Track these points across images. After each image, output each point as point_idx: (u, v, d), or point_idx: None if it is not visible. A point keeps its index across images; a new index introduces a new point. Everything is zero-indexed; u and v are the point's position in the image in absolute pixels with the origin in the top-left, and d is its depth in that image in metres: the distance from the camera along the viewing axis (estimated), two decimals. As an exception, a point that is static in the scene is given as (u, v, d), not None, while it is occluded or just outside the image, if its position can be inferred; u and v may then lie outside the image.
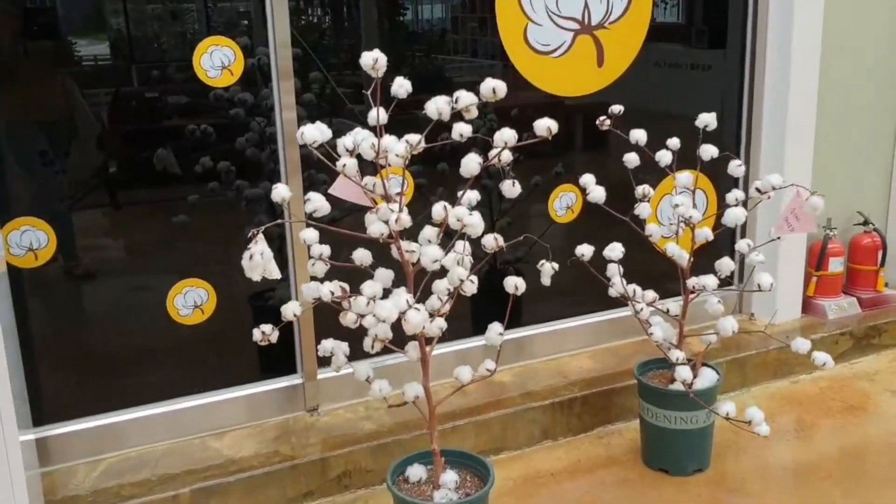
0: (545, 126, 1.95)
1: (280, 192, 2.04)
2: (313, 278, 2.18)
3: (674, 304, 2.72)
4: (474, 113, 1.93)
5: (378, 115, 2.03)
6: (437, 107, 1.89)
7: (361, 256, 2.21)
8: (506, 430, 2.93)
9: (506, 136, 1.97)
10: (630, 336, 3.43)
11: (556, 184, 3.30)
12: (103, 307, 2.79)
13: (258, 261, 1.89)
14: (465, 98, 1.89)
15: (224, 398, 2.83)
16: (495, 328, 2.20)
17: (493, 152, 2.04)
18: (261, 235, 1.95)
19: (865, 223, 3.79)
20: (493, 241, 2.13)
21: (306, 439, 2.76)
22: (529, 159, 3.04)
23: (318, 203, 2.03)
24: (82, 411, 2.69)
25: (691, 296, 2.71)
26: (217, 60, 2.60)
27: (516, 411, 2.94)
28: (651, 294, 2.69)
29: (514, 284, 2.19)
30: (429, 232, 2.09)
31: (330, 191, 2.42)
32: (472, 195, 2.22)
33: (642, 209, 2.65)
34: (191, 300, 2.72)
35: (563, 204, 3.30)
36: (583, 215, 3.32)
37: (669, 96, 3.59)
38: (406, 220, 2.01)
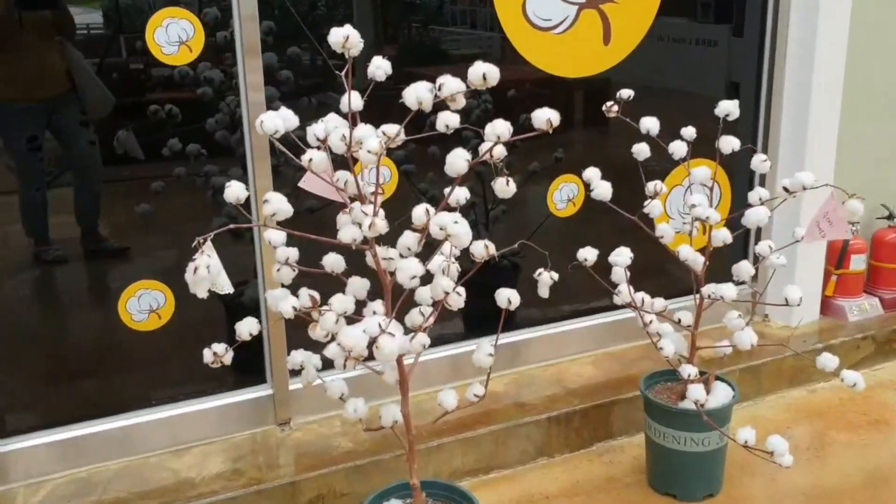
0: (545, 119, 1.65)
1: (234, 191, 1.74)
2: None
3: (685, 314, 2.43)
4: (461, 103, 1.63)
5: (350, 101, 1.73)
6: (416, 95, 1.59)
7: (333, 263, 1.93)
8: (496, 447, 2.65)
9: (498, 129, 1.67)
10: (635, 339, 3.14)
11: (556, 171, 3.00)
12: (49, 310, 2.51)
13: (203, 275, 1.61)
14: (450, 85, 1.59)
15: (185, 411, 2.54)
16: (485, 347, 1.91)
17: (483, 146, 1.75)
18: (209, 244, 1.66)
19: (890, 217, 3.50)
20: (483, 250, 1.84)
21: (275, 458, 2.49)
22: (527, 142, 2.76)
23: (277, 205, 1.73)
24: (24, 427, 2.41)
25: (706, 302, 2.43)
26: (173, 35, 2.29)
27: (508, 427, 2.66)
28: (660, 302, 2.41)
29: (508, 298, 1.90)
30: (408, 239, 1.80)
31: (300, 184, 2.15)
32: (461, 194, 1.93)
33: (652, 207, 2.36)
34: (146, 304, 2.43)
35: (563, 196, 3.00)
36: (585, 208, 3.02)
37: (680, 75, 3.30)
38: (381, 225, 1.71)
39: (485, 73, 1.55)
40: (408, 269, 1.66)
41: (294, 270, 1.95)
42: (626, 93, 2.37)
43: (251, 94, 2.40)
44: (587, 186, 2.36)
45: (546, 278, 2.01)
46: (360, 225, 1.73)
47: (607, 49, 2.93)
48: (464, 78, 1.63)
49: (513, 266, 3.08)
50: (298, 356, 2.04)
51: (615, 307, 2.80)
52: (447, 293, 1.82)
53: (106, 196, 2.61)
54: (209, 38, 2.34)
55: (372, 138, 1.66)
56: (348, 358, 1.85)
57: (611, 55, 2.94)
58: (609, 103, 2.40)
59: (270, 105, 2.49)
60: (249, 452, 2.52)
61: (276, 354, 2.59)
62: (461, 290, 1.85)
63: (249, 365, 2.63)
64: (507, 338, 2.99)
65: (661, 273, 3.03)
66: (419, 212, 1.74)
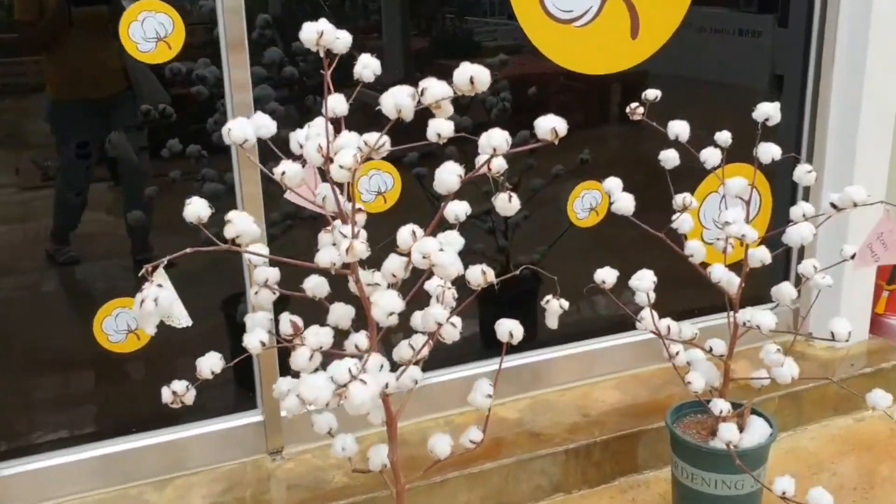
0: (549, 128, 1.42)
1: (195, 209, 1.53)
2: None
3: (717, 343, 2.18)
4: (449, 110, 1.40)
5: (326, 105, 1.52)
6: (395, 102, 1.36)
7: (315, 287, 1.72)
8: (507, 482, 2.42)
9: (494, 140, 1.44)
10: (664, 360, 2.86)
11: (578, 176, 2.75)
12: (22, 328, 2.33)
13: (149, 309, 1.39)
14: (434, 90, 1.35)
15: (168, 439, 2.34)
16: (482, 388, 1.68)
17: (479, 159, 1.52)
18: (160, 272, 1.45)
19: (949, 228, 3.19)
20: (480, 276, 1.60)
21: (263, 493, 2.28)
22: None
23: (242, 226, 1.51)
24: (-5, 455, 2.24)
25: (740, 329, 2.18)
26: (150, 30, 2.08)
27: (521, 460, 2.42)
28: (689, 329, 2.15)
29: (509, 331, 1.67)
30: (394, 264, 1.57)
31: (286, 195, 1.94)
32: (460, 209, 1.71)
33: (682, 222, 2.11)
34: (123, 323, 2.24)
35: (585, 204, 2.75)
36: (608, 220, 2.76)
37: (720, 68, 3.04)
38: (360, 249, 1.48)
39: (472, 76, 1.31)
40: (384, 305, 1.43)
41: (275, 294, 1.76)
42: (653, 94, 2.12)
43: (237, 94, 2.19)
44: (609, 198, 2.11)
45: (555, 306, 1.77)
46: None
47: (635, 43, 2.67)
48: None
49: (534, 275, 2.85)
50: (285, 384, 1.83)
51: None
52: (440, 324, 1.60)
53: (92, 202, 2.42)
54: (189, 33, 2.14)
55: (347, 150, 1.43)
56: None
57: (639, 50, 2.68)
58: (633, 105, 2.15)
59: (263, 106, 2.29)
60: (237, 485, 2.32)
61: (266, 378, 2.38)
62: (456, 320, 1.62)
63: (239, 389, 2.44)
64: (522, 359, 2.76)
65: (693, 283, 2.78)
66: (405, 234, 1.52)
